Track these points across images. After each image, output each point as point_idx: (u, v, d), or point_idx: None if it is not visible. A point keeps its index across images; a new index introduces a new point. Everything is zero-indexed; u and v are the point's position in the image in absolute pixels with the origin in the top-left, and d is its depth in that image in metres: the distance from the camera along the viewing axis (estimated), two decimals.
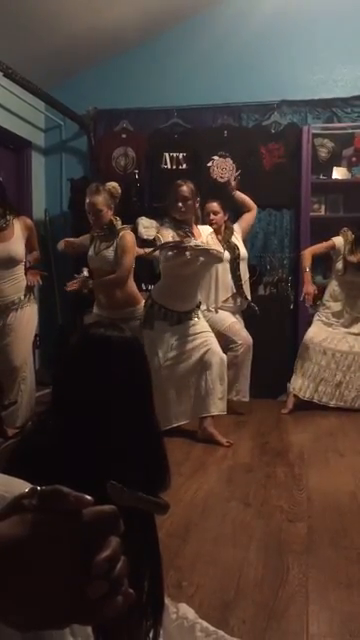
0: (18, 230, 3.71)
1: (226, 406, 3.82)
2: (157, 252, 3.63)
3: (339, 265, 4.50)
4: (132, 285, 3.89)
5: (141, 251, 4.09)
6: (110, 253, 3.74)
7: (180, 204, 3.61)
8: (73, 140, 5.84)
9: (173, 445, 3.48)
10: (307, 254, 4.57)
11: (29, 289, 3.85)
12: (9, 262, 3.66)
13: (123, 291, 3.82)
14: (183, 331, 3.75)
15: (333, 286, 4.57)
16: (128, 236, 3.75)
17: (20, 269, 3.77)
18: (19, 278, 3.76)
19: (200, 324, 3.81)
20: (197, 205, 3.77)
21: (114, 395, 1.18)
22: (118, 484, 0.68)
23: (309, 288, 4.46)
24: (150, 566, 1.14)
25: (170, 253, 3.49)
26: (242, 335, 4.39)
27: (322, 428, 4.15)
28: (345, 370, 4.48)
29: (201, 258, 3.61)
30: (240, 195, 4.68)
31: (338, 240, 4.51)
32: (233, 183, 4.65)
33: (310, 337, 4.53)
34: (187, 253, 3.45)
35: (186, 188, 3.63)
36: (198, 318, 3.83)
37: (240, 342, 4.35)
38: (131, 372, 1.24)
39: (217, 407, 3.73)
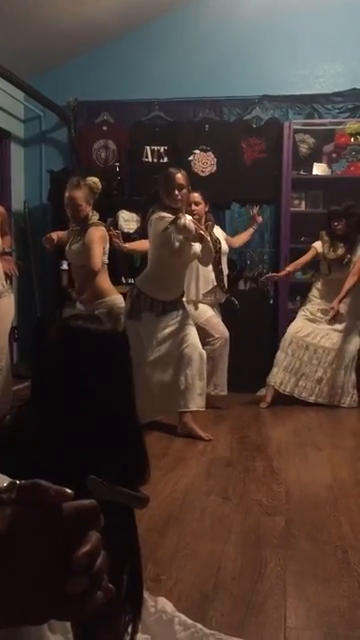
0: None
1: (205, 402, 3.82)
2: (171, 225, 3.52)
3: (324, 267, 4.57)
4: (102, 279, 3.81)
5: (125, 246, 4.05)
6: (78, 247, 3.73)
7: (176, 192, 3.57)
8: (53, 131, 5.78)
9: (152, 439, 3.48)
10: (292, 266, 4.65)
11: (7, 277, 3.77)
12: None
13: (91, 284, 3.76)
14: (167, 324, 3.74)
15: (321, 285, 4.62)
16: (94, 231, 3.69)
17: None
18: None
19: (183, 317, 3.80)
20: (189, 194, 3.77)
21: (93, 388, 1.17)
22: (98, 478, 0.67)
23: (280, 273, 4.68)
24: (129, 560, 1.13)
25: (190, 220, 3.46)
26: (219, 329, 4.40)
27: (300, 422, 4.18)
28: (327, 367, 4.51)
29: (196, 248, 3.62)
30: (250, 233, 4.99)
31: (318, 244, 4.59)
32: (259, 219, 4.97)
33: (294, 331, 4.57)
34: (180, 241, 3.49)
35: (181, 176, 3.61)
36: (183, 309, 3.83)
37: (217, 336, 4.36)
38: (111, 365, 1.22)
39: (196, 403, 3.73)
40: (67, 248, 3.85)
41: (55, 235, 3.90)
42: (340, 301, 4.39)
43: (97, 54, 5.52)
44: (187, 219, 3.46)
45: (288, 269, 4.65)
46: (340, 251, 4.48)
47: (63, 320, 1.28)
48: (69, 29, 5.04)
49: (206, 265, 3.99)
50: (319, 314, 4.59)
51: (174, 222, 3.46)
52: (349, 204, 4.47)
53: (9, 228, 3.93)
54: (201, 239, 3.52)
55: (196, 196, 4.38)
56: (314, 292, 4.66)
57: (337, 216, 4.47)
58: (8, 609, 0.46)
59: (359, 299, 4.54)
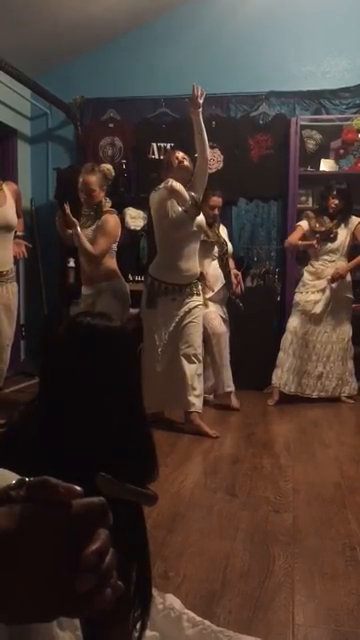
0: (9, 195, 3.58)
1: (202, 403, 3.82)
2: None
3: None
4: (111, 262, 3.84)
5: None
6: (89, 232, 3.74)
7: (178, 160, 3.65)
8: (59, 129, 5.78)
9: (159, 436, 3.48)
10: (293, 243, 4.57)
11: (15, 261, 3.75)
12: (5, 228, 3.52)
13: (98, 266, 3.77)
14: (181, 313, 3.75)
15: (315, 265, 4.55)
16: (111, 219, 3.73)
17: (12, 237, 3.62)
18: (11, 247, 3.62)
19: (195, 313, 3.80)
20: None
21: (101, 386, 1.17)
22: (107, 475, 0.67)
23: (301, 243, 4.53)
24: (138, 557, 1.13)
25: (178, 184, 3.53)
26: (213, 324, 4.32)
27: (307, 419, 4.18)
28: (325, 361, 4.52)
29: (201, 221, 3.73)
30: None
31: (304, 223, 4.55)
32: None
33: (292, 329, 4.54)
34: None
35: (181, 151, 3.72)
36: (198, 295, 3.83)
37: (207, 327, 4.21)
38: (118, 362, 1.22)
39: (195, 405, 3.74)
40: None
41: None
42: (349, 270, 4.44)
43: (103, 51, 5.52)
44: (175, 182, 3.54)
45: (300, 242, 4.54)
46: (328, 224, 4.47)
47: (71, 317, 1.28)
48: (75, 27, 5.03)
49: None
50: (313, 302, 4.51)
51: (164, 185, 3.57)
52: (345, 183, 4.48)
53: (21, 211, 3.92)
54: (197, 209, 3.63)
55: (220, 200, 4.47)
56: (307, 276, 4.58)
57: (340, 193, 4.45)
58: (17, 606, 0.46)
59: (346, 289, 4.54)
